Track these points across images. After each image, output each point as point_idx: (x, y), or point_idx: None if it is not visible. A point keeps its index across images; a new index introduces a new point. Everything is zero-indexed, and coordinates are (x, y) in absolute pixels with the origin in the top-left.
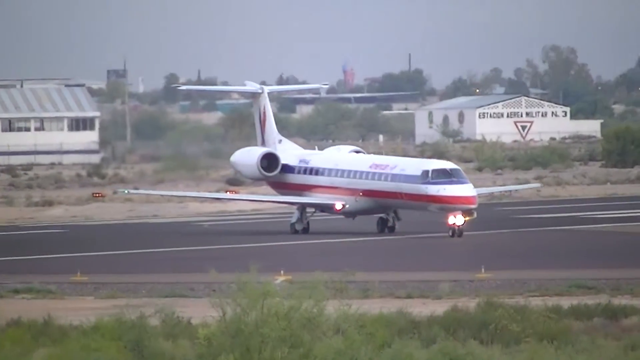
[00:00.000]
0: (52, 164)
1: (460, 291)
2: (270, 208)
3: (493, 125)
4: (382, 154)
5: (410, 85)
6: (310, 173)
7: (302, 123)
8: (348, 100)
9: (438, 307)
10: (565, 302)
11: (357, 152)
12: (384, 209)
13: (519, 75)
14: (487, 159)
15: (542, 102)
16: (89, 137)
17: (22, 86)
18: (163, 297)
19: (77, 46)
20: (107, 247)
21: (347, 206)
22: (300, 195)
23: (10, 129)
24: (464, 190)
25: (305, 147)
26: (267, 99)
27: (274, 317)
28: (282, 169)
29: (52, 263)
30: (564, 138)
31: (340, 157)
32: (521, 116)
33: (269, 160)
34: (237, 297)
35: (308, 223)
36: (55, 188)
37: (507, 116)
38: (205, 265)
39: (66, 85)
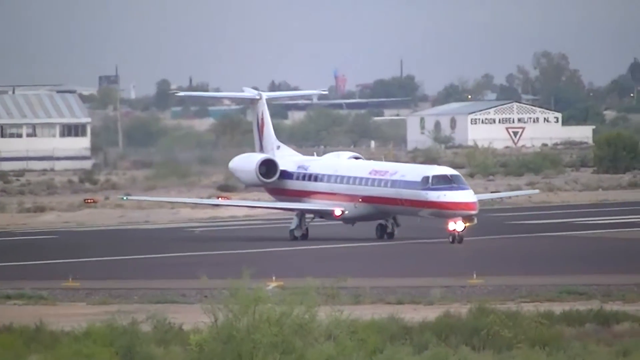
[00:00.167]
0: (44, 170)
1: (452, 297)
2: (263, 214)
3: (485, 131)
4: (382, 160)
5: (402, 91)
6: (310, 179)
7: (293, 129)
8: (340, 106)
9: (430, 313)
10: (557, 308)
11: (356, 158)
12: (384, 215)
13: (510, 81)
14: (478, 165)
15: (533, 108)
16: (81, 144)
17: (14, 92)
18: (155, 303)
19: (69, 52)
20: (99, 253)
21: (346, 212)
22: (299, 201)
23: (2, 135)
24: (465, 196)
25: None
26: (265, 105)
27: (265, 323)
28: (280, 175)
29: (44, 269)
30: (556, 144)
31: (339, 163)
32: (513, 122)
33: (268, 167)
34: (229, 303)
35: (307, 229)
36: (47, 194)
37: (499, 122)
38: (199, 271)
39: (58, 92)
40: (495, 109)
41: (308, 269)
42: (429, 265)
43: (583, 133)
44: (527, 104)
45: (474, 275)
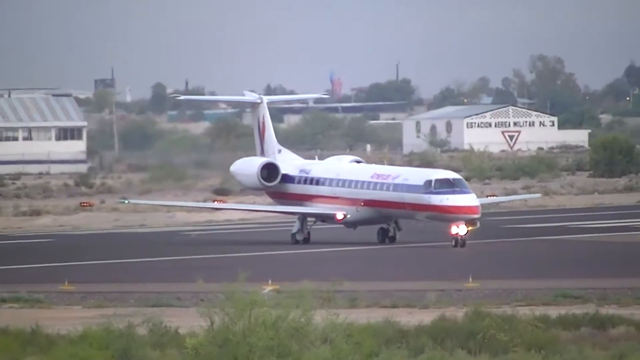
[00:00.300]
0: (40, 174)
1: (447, 300)
2: (258, 217)
3: (481, 134)
4: (384, 164)
5: (397, 95)
6: (311, 183)
7: (289, 133)
8: (335, 109)
9: (425, 317)
10: (553, 312)
11: (358, 162)
12: (386, 218)
13: (506, 85)
14: (474, 168)
15: (529, 111)
16: (77, 147)
17: (9, 96)
18: (151, 306)
19: (65, 56)
20: (95, 256)
21: (348, 216)
22: (300, 205)
23: None
24: (467, 200)
25: None
26: (266, 109)
27: (261, 326)
28: (282, 178)
29: (40, 272)
30: (552, 148)
31: (341, 167)
32: (509, 126)
33: (269, 170)
34: (225, 306)
35: (309, 233)
36: (43, 197)
37: (495, 126)
38: (196, 275)
39: (54, 95)
40: (491, 112)
41: (305, 273)
42: (425, 269)
43: (579, 137)
44: (522, 108)
45: (470, 279)
